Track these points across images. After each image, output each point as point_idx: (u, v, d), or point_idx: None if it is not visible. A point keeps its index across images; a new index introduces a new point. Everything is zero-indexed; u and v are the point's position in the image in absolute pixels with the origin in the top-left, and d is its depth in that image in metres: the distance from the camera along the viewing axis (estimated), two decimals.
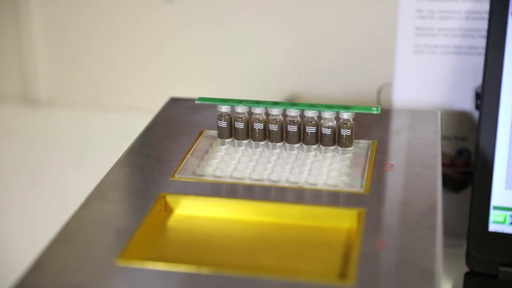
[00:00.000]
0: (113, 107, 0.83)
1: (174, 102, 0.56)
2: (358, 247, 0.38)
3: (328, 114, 0.47)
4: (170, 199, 0.43)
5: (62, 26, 0.83)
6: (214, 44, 0.79)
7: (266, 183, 0.44)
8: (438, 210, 0.41)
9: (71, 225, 0.40)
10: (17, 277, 0.36)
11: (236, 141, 0.49)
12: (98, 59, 0.83)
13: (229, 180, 0.44)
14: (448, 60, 0.58)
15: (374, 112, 0.47)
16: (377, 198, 0.42)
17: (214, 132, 0.51)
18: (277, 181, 0.44)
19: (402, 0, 0.57)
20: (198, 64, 0.80)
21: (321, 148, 0.48)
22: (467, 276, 0.54)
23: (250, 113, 0.49)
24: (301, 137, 0.48)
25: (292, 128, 0.48)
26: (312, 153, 0.48)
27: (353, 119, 0.47)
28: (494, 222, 0.53)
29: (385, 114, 0.54)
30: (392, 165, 0.46)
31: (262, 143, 0.49)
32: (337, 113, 0.47)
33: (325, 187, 0.44)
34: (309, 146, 0.48)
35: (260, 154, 0.48)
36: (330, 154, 0.47)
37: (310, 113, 0.47)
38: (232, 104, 0.48)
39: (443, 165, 0.59)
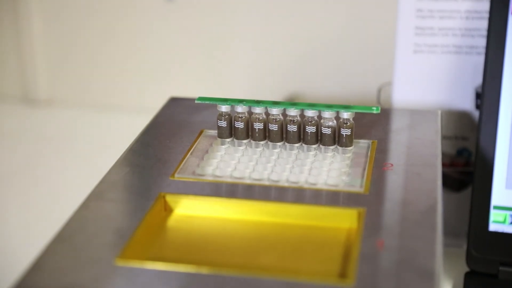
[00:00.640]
0: (112, 107, 0.83)
1: (174, 102, 0.56)
2: (358, 247, 0.38)
3: (328, 114, 0.47)
4: (170, 199, 0.43)
5: (61, 26, 0.83)
6: (214, 44, 0.79)
7: (266, 182, 0.44)
8: (438, 210, 0.41)
9: (71, 225, 0.40)
10: (16, 277, 0.36)
11: (236, 140, 0.49)
12: (97, 59, 0.83)
13: (229, 180, 0.44)
14: (448, 60, 0.58)
15: (374, 112, 0.47)
16: (377, 198, 0.42)
17: (214, 132, 0.51)
18: (277, 181, 0.44)
19: (402, 0, 0.57)
20: (198, 64, 0.80)
21: (321, 148, 0.48)
22: (467, 275, 0.54)
23: (250, 113, 0.48)
24: (301, 137, 0.48)
25: (292, 128, 0.48)
26: (312, 152, 0.48)
27: (353, 118, 0.47)
28: (494, 221, 0.53)
29: (385, 114, 0.54)
30: (392, 165, 0.46)
31: (262, 142, 0.49)
32: (337, 112, 0.47)
33: (325, 187, 0.44)
34: (309, 146, 0.48)
35: (260, 154, 0.48)
36: (330, 154, 0.47)
37: (310, 113, 0.47)
38: (232, 103, 0.48)
39: (443, 164, 0.59)
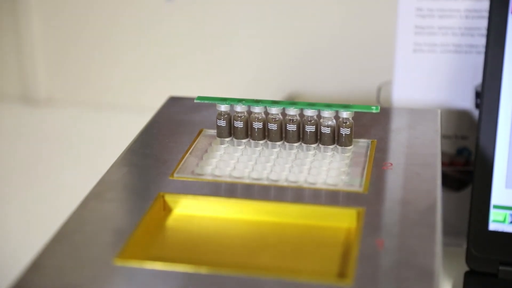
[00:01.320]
0: (112, 106, 0.83)
1: (173, 101, 0.56)
2: (357, 246, 0.38)
3: (327, 113, 0.47)
4: (169, 198, 0.43)
5: (61, 25, 0.82)
6: (214, 43, 0.79)
7: (265, 182, 0.44)
8: (437, 209, 0.41)
9: (70, 224, 0.40)
10: (15, 277, 0.36)
11: (235, 140, 0.49)
12: (97, 58, 0.83)
13: (228, 180, 0.44)
14: (448, 59, 0.58)
15: (374, 111, 0.46)
16: (377, 197, 0.42)
17: (213, 131, 0.50)
18: (276, 180, 0.44)
19: None
20: (197, 63, 0.80)
21: (320, 147, 0.48)
22: (467, 275, 0.54)
23: (250, 112, 0.48)
24: (301, 136, 0.48)
25: (292, 127, 0.48)
26: (312, 152, 0.48)
27: (353, 118, 0.47)
28: (494, 221, 0.53)
29: (385, 113, 0.54)
30: (391, 164, 0.46)
31: (261, 142, 0.48)
32: (337, 112, 0.47)
33: (324, 186, 0.43)
34: (308, 145, 0.48)
35: (259, 153, 0.48)
36: (329, 153, 0.47)
37: (310, 112, 0.47)
38: (231, 103, 0.48)
39: (443, 164, 0.59)
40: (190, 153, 0.48)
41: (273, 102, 0.48)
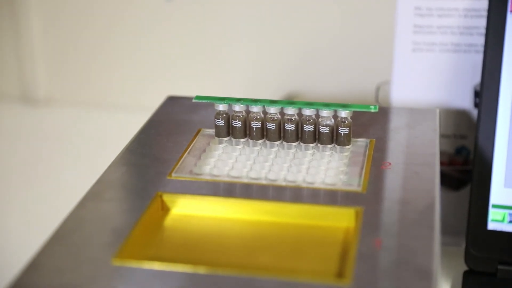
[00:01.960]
0: (110, 106, 0.83)
1: (171, 101, 0.56)
2: (356, 246, 0.38)
3: (325, 113, 0.47)
4: (167, 198, 0.43)
5: (60, 25, 0.82)
6: (212, 43, 0.79)
7: (264, 182, 0.44)
8: (436, 208, 0.41)
9: (68, 224, 0.40)
10: (13, 276, 0.36)
11: (233, 139, 0.49)
12: (96, 58, 0.83)
13: (226, 179, 0.44)
14: (446, 58, 0.58)
15: (372, 111, 0.46)
16: (375, 197, 0.42)
17: (212, 131, 0.50)
18: (275, 180, 0.44)
19: None
20: (196, 63, 0.80)
21: (319, 147, 0.48)
22: (466, 274, 0.53)
23: (248, 112, 0.48)
24: (299, 136, 0.48)
25: (290, 127, 0.48)
26: (310, 151, 0.47)
27: (351, 117, 0.47)
28: (493, 220, 0.53)
29: (384, 113, 0.54)
30: (390, 164, 0.46)
31: (259, 141, 0.48)
32: (335, 111, 0.47)
33: (322, 186, 0.43)
34: (306, 144, 0.48)
35: (258, 153, 0.47)
36: (328, 153, 0.47)
37: (308, 112, 0.47)
38: (230, 102, 0.48)
39: (442, 163, 0.59)
40: (188, 153, 0.48)
41: (271, 101, 0.48)
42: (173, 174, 0.45)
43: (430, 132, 0.50)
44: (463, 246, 0.54)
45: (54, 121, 0.84)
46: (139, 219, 0.40)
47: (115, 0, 0.80)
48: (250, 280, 0.36)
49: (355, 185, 0.43)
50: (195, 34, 0.79)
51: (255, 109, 0.48)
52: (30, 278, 0.36)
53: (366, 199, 0.42)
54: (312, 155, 0.47)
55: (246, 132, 0.49)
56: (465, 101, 0.58)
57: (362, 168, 0.45)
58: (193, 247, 0.40)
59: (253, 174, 0.45)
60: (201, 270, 0.36)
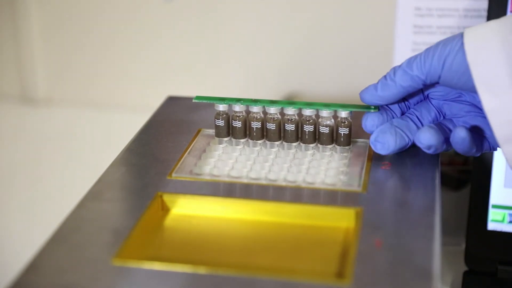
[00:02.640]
0: (110, 106, 0.83)
1: (171, 101, 0.56)
2: (356, 246, 0.38)
3: (326, 113, 0.47)
4: (167, 198, 0.43)
5: (60, 25, 0.82)
6: (212, 43, 0.79)
7: (264, 182, 0.44)
8: (436, 209, 0.41)
9: (68, 225, 0.40)
10: (13, 276, 0.36)
11: (234, 140, 0.49)
12: (95, 58, 0.83)
13: (226, 179, 0.44)
14: None
15: (372, 111, 0.46)
16: (375, 197, 0.42)
17: (212, 131, 0.50)
18: (275, 180, 0.44)
19: None
20: (196, 63, 0.80)
21: (319, 147, 0.48)
22: (466, 274, 0.54)
23: (248, 112, 0.48)
24: (299, 136, 0.48)
25: (290, 127, 0.48)
26: (310, 152, 0.47)
27: (351, 117, 0.47)
28: (493, 220, 0.53)
29: None
30: (390, 164, 0.46)
31: (260, 142, 0.48)
32: (335, 111, 0.47)
33: (322, 186, 0.43)
34: (307, 145, 0.48)
35: (258, 153, 0.47)
36: (328, 153, 0.47)
37: (308, 112, 0.47)
38: (230, 103, 0.48)
39: (442, 163, 0.59)
40: (189, 153, 0.48)
41: (271, 101, 0.48)
42: (173, 174, 0.45)
43: None
44: (463, 246, 0.54)
45: (54, 121, 0.84)
46: (139, 219, 0.40)
47: (115, 1, 0.80)
48: (250, 280, 0.36)
49: (355, 185, 0.43)
50: (195, 34, 0.79)
51: (255, 109, 0.48)
52: (30, 278, 0.36)
53: (366, 199, 0.42)
54: (312, 156, 0.47)
55: (246, 132, 0.49)
56: None
57: (362, 169, 0.45)
58: (193, 247, 0.40)
59: (253, 174, 0.45)
60: (201, 270, 0.36)
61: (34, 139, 0.82)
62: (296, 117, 0.48)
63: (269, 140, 0.48)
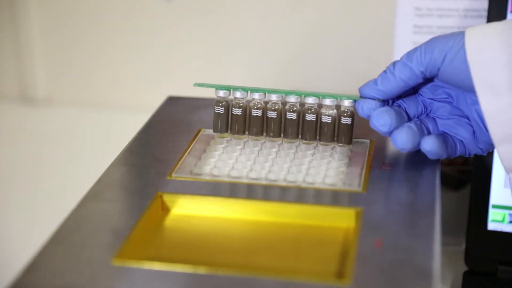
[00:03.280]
0: (110, 106, 0.83)
1: (172, 101, 0.56)
2: (356, 246, 0.38)
3: (328, 101, 0.46)
4: (167, 198, 0.43)
5: (60, 25, 0.82)
6: (212, 43, 0.79)
7: (264, 182, 0.44)
8: (436, 209, 0.41)
9: (67, 225, 0.40)
10: (13, 276, 0.36)
11: (234, 140, 0.48)
12: (95, 58, 0.83)
13: (226, 179, 0.44)
14: None
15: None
16: (375, 197, 0.42)
17: (212, 131, 0.50)
18: (275, 180, 0.44)
19: None
20: (196, 63, 0.80)
21: (319, 147, 0.47)
22: (466, 274, 0.53)
23: (249, 101, 0.48)
24: (300, 125, 0.47)
25: (291, 116, 0.47)
26: (310, 151, 0.47)
27: (354, 107, 0.46)
28: (493, 220, 0.53)
29: None
30: (390, 164, 0.46)
31: (260, 141, 0.48)
32: (338, 101, 0.46)
33: (323, 186, 0.43)
34: (307, 144, 0.47)
35: (258, 153, 0.47)
36: (328, 153, 0.47)
37: (310, 100, 0.46)
38: (231, 89, 0.47)
39: (442, 163, 0.59)
40: (189, 153, 0.48)
41: (273, 90, 0.47)
42: (173, 174, 0.45)
43: None
44: (463, 246, 0.54)
45: (54, 121, 0.84)
46: (139, 219, 0.40)
47: (115, 1, 0.80)
48: (250, 280, 0.36)
49: (355, 185, 0.43)
50: (194, 34, 0.79)
51: (256, 95, 0.47)
52: (30, 278, 0.36)
53: (367, 199, 0.42)
54: (313, 156, 0.47)
55: (246, 121, 0.47)
56: None
57: (362, 169, 0.45)
58: (193, 247, 0.40)
59: (253, 175, 0.45)
60: (201, 270, 0.36)
61: (34, 139, 0.82)
62: (298, 106, 0.47)
63: (268, 134, 0.47)
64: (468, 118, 0.46)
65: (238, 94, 0.47)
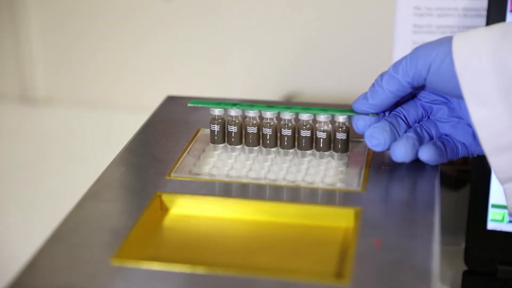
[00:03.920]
0: (110, 106, 0.83)
1: (171, 101, 0.56)
2: (355, 246, 0.38)
3: (323, 117, 0.46)
4: (166, 198, 0.43)
5: (59, 25, 0.82)
6: (212, 43, 0.79)
7: (263, 182, 0.44)
8: (435, 208, 0.41)
9: (66, 224, 0.40)
10: (12, 276, 0.36)
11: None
12: (95, 58, 0.83)
13: (225, 179, 0.44)
14: None
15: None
16: (374, 197, 0.42)
17: None
18: (274, 180, 0.44)
19: None
20: (195, 63, 0.80)
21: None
22: (466, 274, 0.53)
23: (244, 117, 0.48)
24: (296, 142, 0.47)
25: (287, 132, 0.47)
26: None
27: (349, 123, 0.46)
28: (493, 220, 0.53)
29: None
30: (389, 164, 0.46)
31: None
32: (333, 116, 0.46)
33: (322, 186, 0.43)
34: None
35: (257, 153, 0.47)
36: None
37: (305, 116, 0.46)
38: (225, 107, 0.47)
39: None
40: (188, 153, 0.48)
41: (267, 106, 0.47)
42: (172, 174, 0.45)
43: None
44: (463, 245, 0.54)
45: (54, 121, 0.84)
46: (138, 219, 0.40)
47: (115, 1, 0.80)
48: (249, 280, 0.36)
49: (355, 185, 0.43)
50: (194, 34, 0.79)
51: (251, 113, 0.47)
52: (29, 278, 0.36)
53: (366, 199, 0.42)
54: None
55: (242, 138, 0.48)
56: None
57: (361, 168, 0.45)
58: (192, 247, 0.40)
59: (252, 174, 0.44)
60: (200, 270, 0.36)
61: (33, 139, 0.83)
62: (293, 122, 0.47)
63: (265, 146, 0.47)
64: (467, 120, 0.45)
65: (232, 113, 0.47)
